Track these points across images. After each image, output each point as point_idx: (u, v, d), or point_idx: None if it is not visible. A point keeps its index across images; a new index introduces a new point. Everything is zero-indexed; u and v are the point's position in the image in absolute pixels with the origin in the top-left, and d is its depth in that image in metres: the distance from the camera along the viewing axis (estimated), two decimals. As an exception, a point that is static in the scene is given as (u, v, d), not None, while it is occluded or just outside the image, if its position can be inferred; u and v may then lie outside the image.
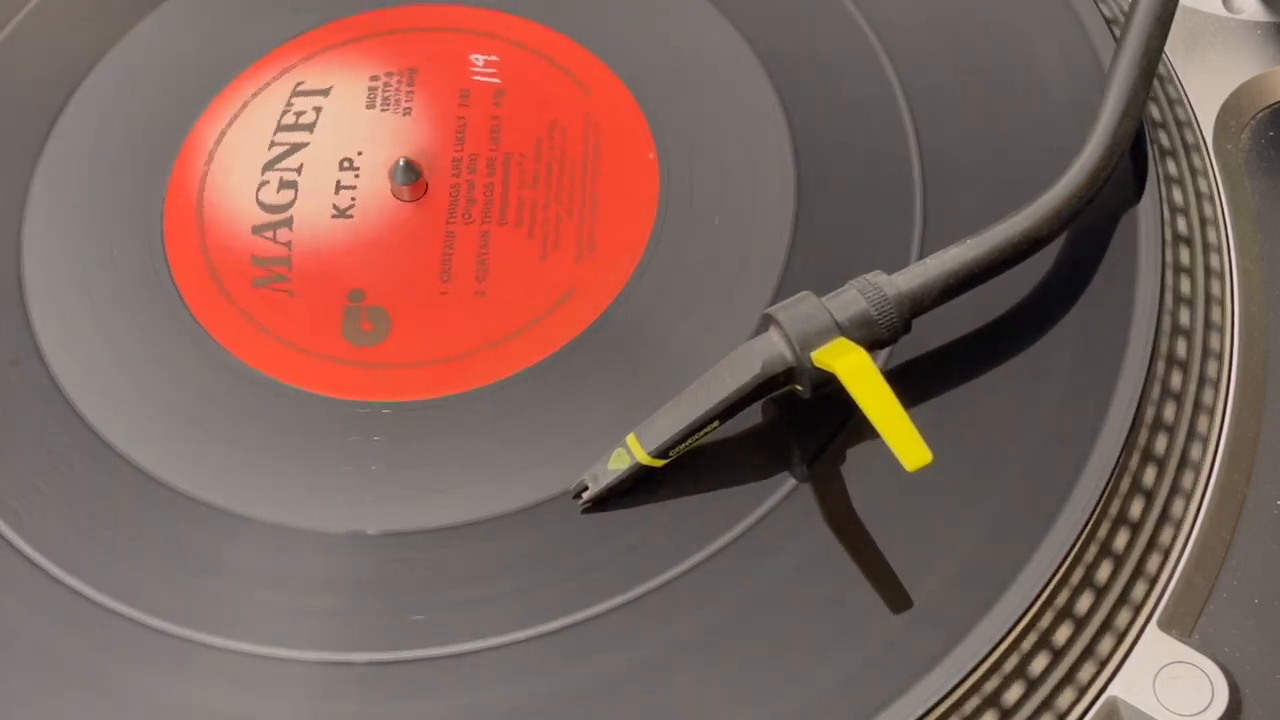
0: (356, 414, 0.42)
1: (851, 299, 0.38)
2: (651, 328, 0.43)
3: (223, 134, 0.48)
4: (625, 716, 0.36)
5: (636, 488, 0.39)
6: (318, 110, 0.48)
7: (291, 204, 0.46)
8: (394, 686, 0.37)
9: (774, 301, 0.42)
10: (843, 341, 0.37)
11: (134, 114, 0.49)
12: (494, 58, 0.49)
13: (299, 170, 0.47)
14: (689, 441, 0.38)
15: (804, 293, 0.39)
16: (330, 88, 0.49)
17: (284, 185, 0.47)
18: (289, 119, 0.48)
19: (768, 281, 0.43)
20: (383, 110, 0.48)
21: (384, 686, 0.37)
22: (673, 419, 0.38)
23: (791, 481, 0.39)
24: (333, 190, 0.46)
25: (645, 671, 0.37)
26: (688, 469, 0.39)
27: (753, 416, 0.40)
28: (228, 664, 0.38)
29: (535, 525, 0.39)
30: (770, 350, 0.38)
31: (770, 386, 0.38)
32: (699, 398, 0.38)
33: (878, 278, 0.39)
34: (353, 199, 0.46)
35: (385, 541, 0.39)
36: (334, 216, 0.46)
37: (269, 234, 0.46)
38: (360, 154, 0.47)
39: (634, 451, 0.38)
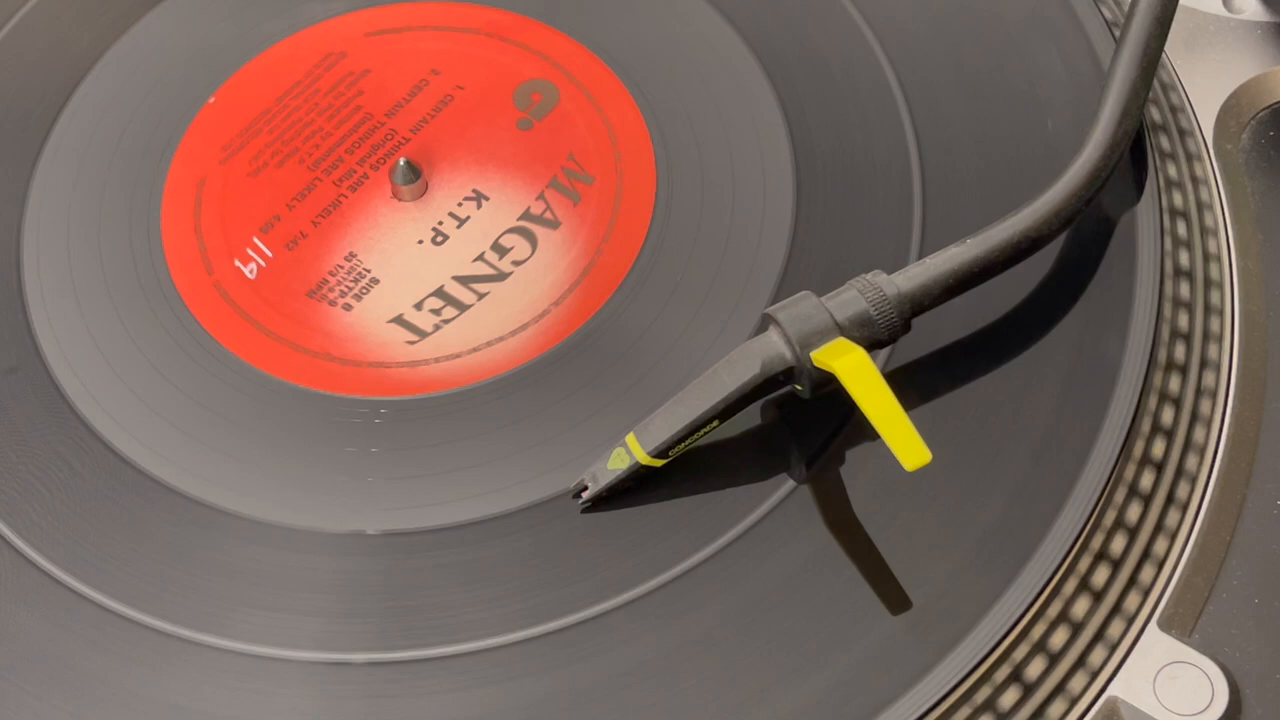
0: (357, 413, 0.42)
1: (851, 299, 0.38)
2: (651, 327, 0.43)
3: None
4: (625, 716, 0.36)
5: (636, 488, 0.39)
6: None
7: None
8: (394, 686, 0.37)
9: (774, 301, 0.42)
10: (842, 341, 0.37)
11: (133, 114, 0.49)
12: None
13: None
14: (688, 441, 0.38)
15: (803, 292, 0.39)
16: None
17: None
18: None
19: (768, 281, 0.43)
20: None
21: (384, 686, 0.37)
22: (672, 419, 0.38)
23: (791, 482, 0.39)
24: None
25: (645, 672, 0.37)
26: (687, 469, 0.39)
27: (752, 416, 0.40)
28: (228, 664, 0.38)
29: (535, 525, 0.39)
30: (770, 350, 0.38)
31: (770, 386, 0.38)
32: (698, 397, 0.38)
33: (877, 277, 0.39)
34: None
35: (385, 541, 0.39)
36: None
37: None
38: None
39: (633, 451, 0.38)
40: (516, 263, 0.45)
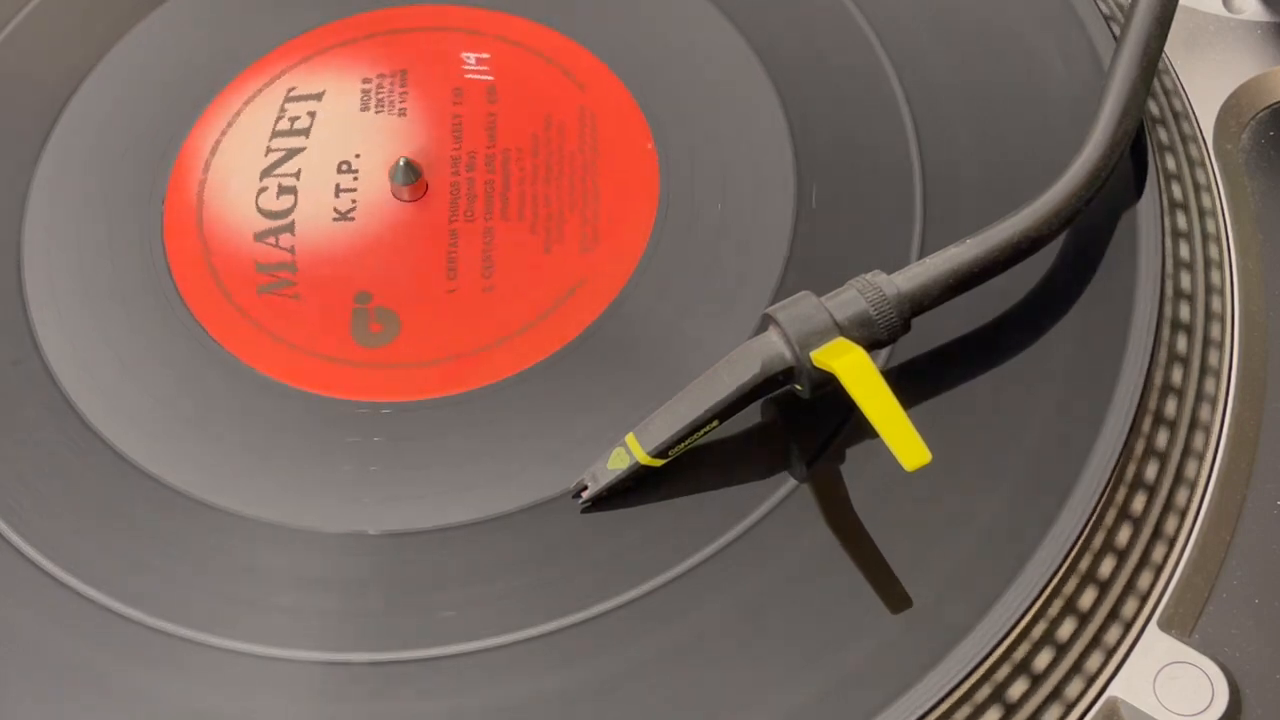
0: (357, 414, 0.42)
1: (851, 299, 0.38)
2: (651, 327, 0.43)
3: (218, 142, 0.48)
4: (625, 716, 0.36)
5: (636, 487, 0.39)
6: (312, 115, 0.48)
7: (292, 209, 0.46)
8: (394, 686, 0.37)
9: (774, 301, 0.42)
10: (842, 341, 0.37)
11: (134, 114, 0.49)
12: (485, 55, 0.49)
13: (297, 175, 0.47)
14: (688, 441, 0.38)
15: (803, 292, 0.39)
16: (323, 92, 0.49)
17: (283, 191, 0.47)
18: (284, 125, 0.48)
19: (768, 281, 0.43)
20: (377, 112, 0.48)
21: (384, 686, 0.37)
22: (672, 418, 0.38)
23: (791, 481, 0.39)
24: (333, 194, 0.46)
25: (644, 672, 0.37)
26: (687, 469, 0.39)
27: (752, 416, 0.40)
28: (228, 664, 0.38)
29: (535, 525, 0.39)
30: (769, 350, 0.38)
31: (770, 386, 0.38)
32: (698, 397, 0.38)
33: (877, 277, 0.39)
34: (353, 201, 0.46)
35: (385, 541, 0.39)
36: (335, 220, 0.46)
37: (271, 240, 0.46)
38: (358, 156, 0.47)
39: (633, 451, 0.38)
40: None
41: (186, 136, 0.48)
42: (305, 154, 0.47)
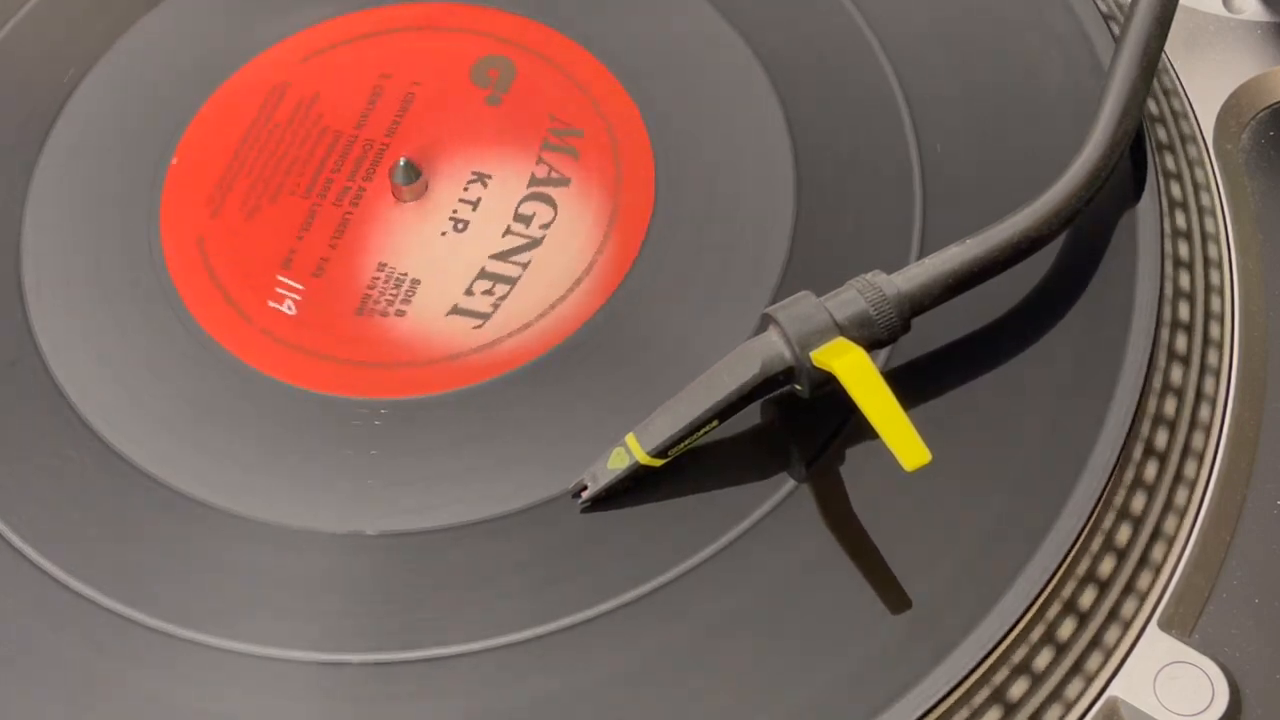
0: (356, 414, 0.42)
1: (850, 299, 0.38)
2: (650, 327, 0.43)
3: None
4: (624, 717, 0.36)
5: (636, 488, 0.39)
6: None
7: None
8: (394, 686, 0.37)
9: (774, 301, 0.42)
10: (842, 341, 0.37)
11: (134, 113, 0.49)
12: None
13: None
14: (688, 441, 0.38)
15: (803, 292, 0.39)
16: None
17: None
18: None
19: (768, 281, 0.43)
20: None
21: (384, 686, 0.37)
22: (672, 418, 0.38)
23: (791, 482, 0.39)
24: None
25: (645, 672, 0.37)
26: (687, 469, 0.39)
27: (752, 416, 0.40)
28: (227, 664, 0.38)
29: (534, 525, 0.39)
30: (769, 350, 0.38)
31: (769, 386, 0.38)
32: (698, 397, 0.38)
33: (877, 277, 0.39)
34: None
35: (384, 542, 0.39)
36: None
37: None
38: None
39: (633, 451, 0.38)
40: (544, 226, 0.45)
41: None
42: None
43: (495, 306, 0.44)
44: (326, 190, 0.46)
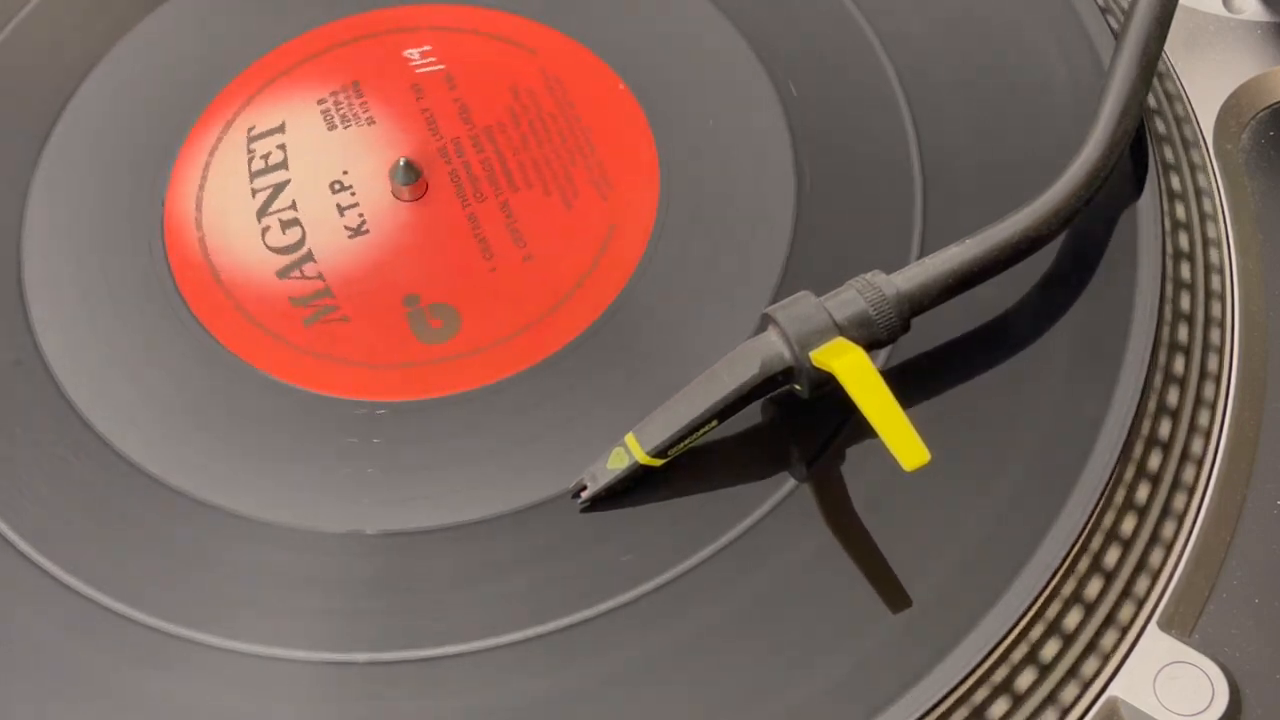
0: (356, 414, 0.42)
1: (850, 299, 0.38)
2: (650, 327, 0.43)
3: (199, 198, 0.47)
4: (624, 717, 0.36)
5: (635, 487, 0.39)
6: (282, 147, 0.48)
7: (303, 240, 0.46)
8: (394, 686, 0.37)
9: (774, 301, 0.42)
10: (841, 341, 0.37)
11: (134, 114, 0.49)
12: (427, 47, 0.50)
13: (294, 207, 0.47)
14: (688, 441, 0.38)
15: (803, 292, 0.39)
16: (283, 123, 0.48)
17: (286, 225, 0.46)
18: (258, 164, 0.48)
19: (768, 281, 0.43)
20: (345, 127, 0.48)
21: (384, 686, 0.37)
22: (671, 418, 0.38)
23: (791, 482, 0.39)
24: (337, 214, 0.46)
25: (644, 672, 0.37)
26: (687, 469, 0.39)
27: (752, 416, 0.40)
28: (228, 664, 0.38)
29: (534, 525, 0.39)
30: (769, 350, 0.38)
31: (769, 386, 0.38)
32: (698, 397, 0.38)
33: (876, 278, 0.39)
34: (361, 215, 0.46)
35: (383, 542, 0.39)
36: (351, 237, 0.46)
37: (296, 274, 0.45)
38: (345, 173, 0.47)
39: (633, 451, 0.38)
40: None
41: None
42: (292, 185, 0.47)
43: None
44: None
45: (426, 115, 0.48)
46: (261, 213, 0.47)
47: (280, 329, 0.44)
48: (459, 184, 0.46)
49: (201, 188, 0.47)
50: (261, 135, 0.48)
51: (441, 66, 0.49)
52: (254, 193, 0.47)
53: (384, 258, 0.45)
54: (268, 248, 0.46)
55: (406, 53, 0.50)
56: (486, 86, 0.48)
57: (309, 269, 0.45)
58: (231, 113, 0.49)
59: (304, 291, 0.45)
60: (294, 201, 0.47)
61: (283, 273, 0.45)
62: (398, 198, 0.46)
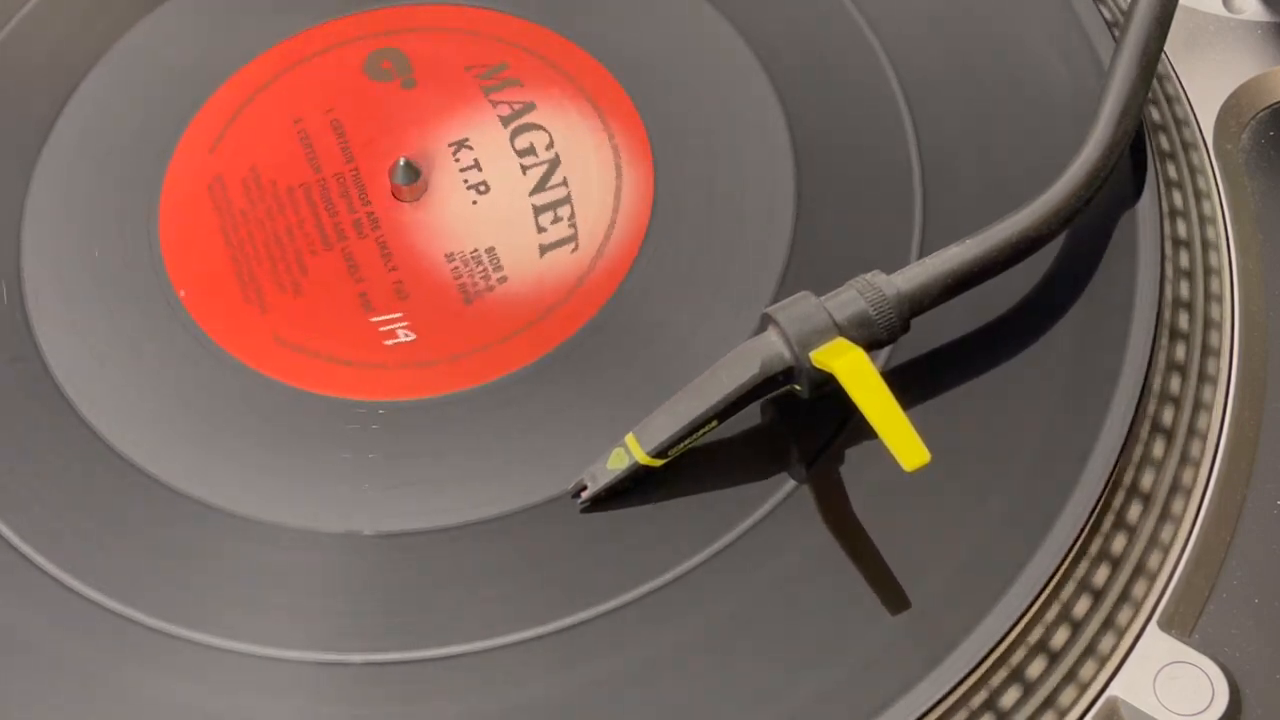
0: (355, 414, 0.42)
1: (850, 299, 0.38)
2: (651, 327, 0.43)
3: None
4: (623, 717, 0.36)
5: (635, 488, 0.39)
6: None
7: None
8: (393, 686, 0.37)
9: (774, 301, 0.42)
10: (841, 341, 0.37)
11: (133, 113, 0.49)
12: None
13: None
14: (687, 441, 0.38)
15: (803, 292, 0.39)
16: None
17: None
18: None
19: (768, 281, 0.43)
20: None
21: (383, 686, 0.37)
22: (671, 418, 0.38)
23: (790, 483, 0.39)
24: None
25: (644, 673, 0.37)
26: (687, 469, 0.39)
27: (751, 417, 0.40)
28: (226, 664, 0.38)
29: (534, 525, 0.39)
30: (769, 350, 0.38)
31: (769, 386, 0.38)
32: (697, 397, 0.38)
33: (876, 278, 0.39)
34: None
35: (383, 542, 0.39)
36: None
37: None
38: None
39: (633, 451, 0.38)
40: (548, 146, 0.46)
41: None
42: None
43: (573, 225, 0.45)
44: (341, 232, 0.46)
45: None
46: None
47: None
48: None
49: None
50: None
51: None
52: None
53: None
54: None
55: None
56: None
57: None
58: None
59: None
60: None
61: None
62: (397, 197, 0.46)
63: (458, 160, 0.47)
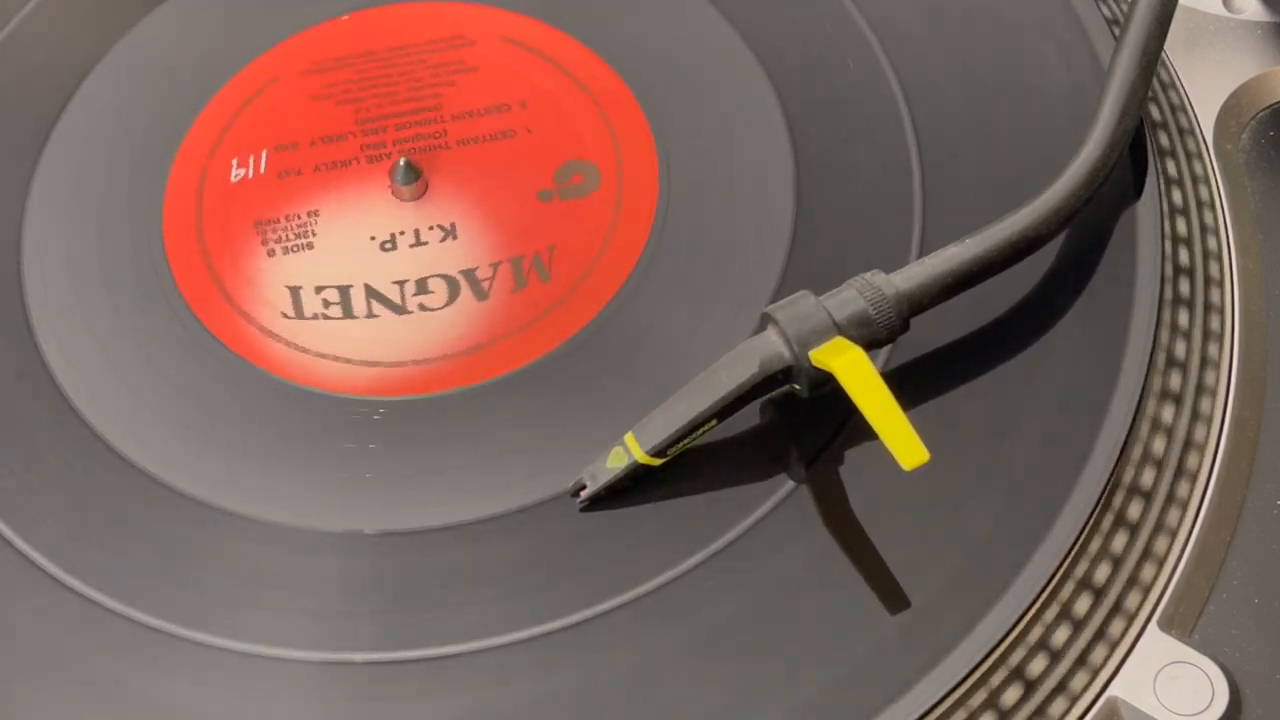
0: (356, 413, 0.42)
1: (849, 298, 0.38)
2: (650, 327, 0.43)
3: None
4: (623, 717, 0.36)
5: (635, 487, 0.39)
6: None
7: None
8: (393, 686, 0.37)
9: (774, 301, 0.42)
10: (841, 340, 0.37)
11: (134, 114, 0.49)
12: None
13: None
14: (687, 440, 0.38)
15: (802, 292, 0.39)
16: None
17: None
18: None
19: (768, 281, 0.43)
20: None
21: (383, 686, 0.37)
22: (671, 417, 0.38)
23: (790, 482, 0.39)
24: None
25: (644, 672, 0.37)
26: (686, 469, 0.39)
27: (751, 417, 0.40)
28: (227, 663, 0.38)
29: (534, 525, 0.39)
30: (768, 349, 0.38)
31: (768, 385, 0.38)
32: (697, 396, 0.38)
33: (876, 277, 0.39)
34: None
35: (384, 541, 0.39)
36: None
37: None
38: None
39: (632, 450, 0.38)
40: (424, 307, 0.44)
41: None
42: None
43: (314, 317, 0.44)
44: (374, 133, 0.47)
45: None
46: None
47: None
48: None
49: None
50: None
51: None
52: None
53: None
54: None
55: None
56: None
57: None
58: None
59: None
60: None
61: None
62: (396, 196, 0.46)
63: (430, 230, 0.46)
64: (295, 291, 0.44)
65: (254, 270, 0.45)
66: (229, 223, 0.46)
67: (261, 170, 0.47)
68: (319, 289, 0.44)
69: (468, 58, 0.49)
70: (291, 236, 0.45)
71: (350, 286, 0.44)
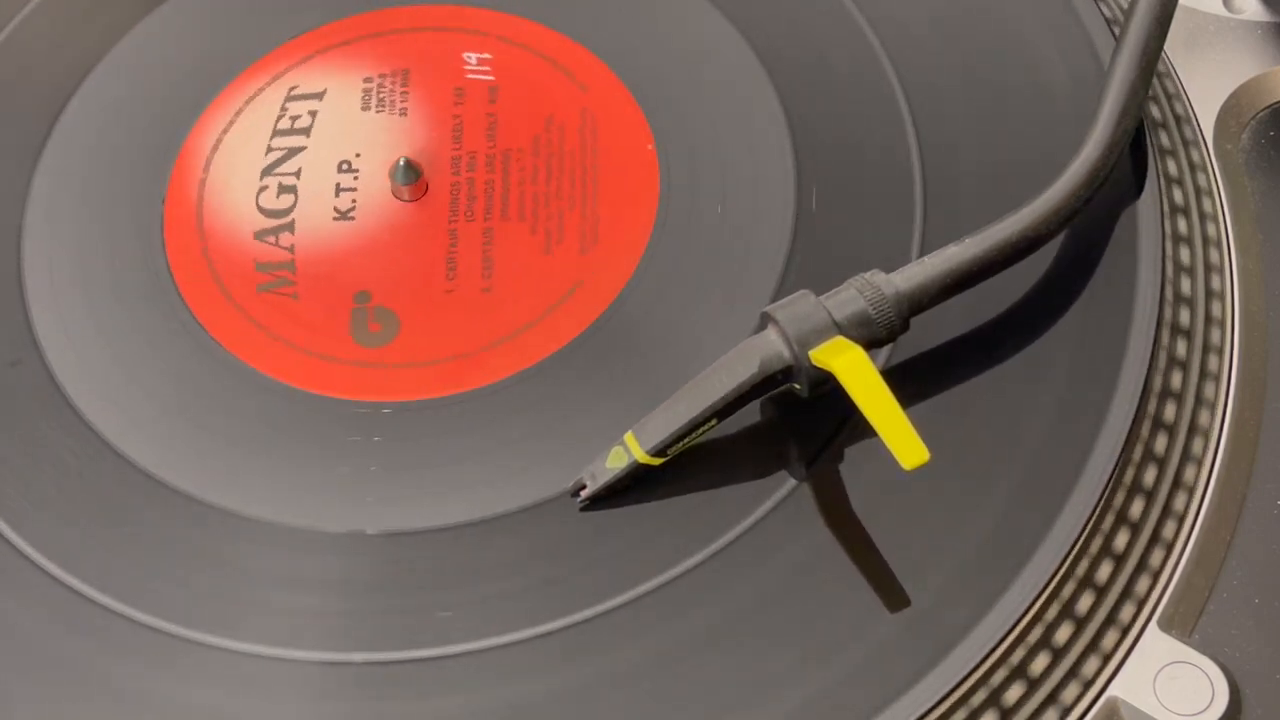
0: (357, 414, 0.42)
1: (850, 298, 0.38)
2: (651, 327, 0.43)
3: (219, 140, 0.48)
4: (623, 717, 0.36)
5: (635, 487, 0.39)
6: (313, 114, 0.48)
7: (292, 208, 0.46)
8: (394, 686, 0.37)
9: (774, 300, 0.42)
10: (841, 340, 0.37)
11: (134, 114, 0.49)
12: (487, 55, 0.49)
13: (298, 174, 0.47)
14: (687, 440, 0.38)
15: (802, 291, 0.39)
16: (324, 91, 0.49)
17: (283, 190, 0.47)
18: (284, 124, 0.48)
19: (768, 281, 0.43)
20: (378, 111, 0.48)
21: (384, 686, 0.37)
22: (671, 417, 0.38)
23: (791, 482, 0.39)
24: (333, 193, 0.46)
25: (644, 672, 0.37)
26: (686, 468, 0.39)
27: (751, 416, 0.40)
28: (227, 664, 0.38)
29: (534, 525, 0.39)
30: (768, 348, 0.38)
31: (768, 385, 0.38)
32: (697, 396, 0.38)
33: (876, 277, 0.39)
34: (353, 201, 0.46)
35: (384, 541, 0.39)
36: (335, 219, 0.46)
37: (271, 239, 0.46)
38: (358, 156, 0.47)
39: (632, 450, 0.38)
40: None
41: (187, 135, 0.48)
42: (306, 153, 0.47)
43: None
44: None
45: (456, 121, 0.48)
46: (267, 171, 0.47)
47: (234, 286, 0.45)
48: (456, 198, 0.46)
49: (225, 132, 0.48)
50: (300, 97, 0.49)
51: (492, 78, 0.49)
52: (269, 149, 0.48)
53: (356, 248, 0.45)
54: (258, 207, 0.46)
55: (465, 54, 0.49)
56: (525, 109, 0.48)
57: (284, 238, 0.46)
58: (281, 68, 0.49)
59: (270, 258, 0.45)
60: (300, 169, 0.47)
61: (260, 235, 0.46)
62: (396, 196, 0.46)
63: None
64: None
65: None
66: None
67: None
68: None
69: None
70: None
71: None
